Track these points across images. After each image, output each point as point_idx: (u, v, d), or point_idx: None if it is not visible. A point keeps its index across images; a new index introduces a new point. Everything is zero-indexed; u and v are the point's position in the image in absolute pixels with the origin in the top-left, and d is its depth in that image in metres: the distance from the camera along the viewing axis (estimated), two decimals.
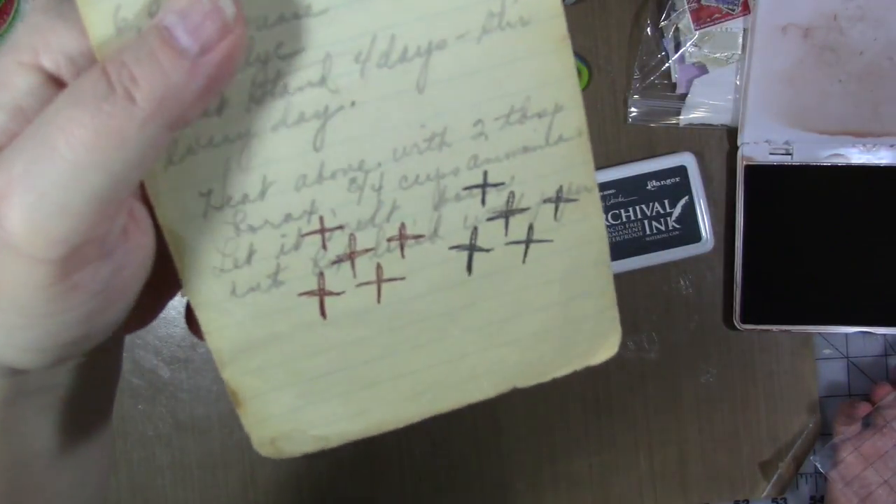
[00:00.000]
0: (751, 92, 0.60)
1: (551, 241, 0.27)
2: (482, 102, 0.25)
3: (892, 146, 0.61)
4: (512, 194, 0.26)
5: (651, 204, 0.62)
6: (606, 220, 0.61)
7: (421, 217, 0.26)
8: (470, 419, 0.63)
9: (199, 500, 0.63)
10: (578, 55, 0.63)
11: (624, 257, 0.62)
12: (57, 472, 0.31)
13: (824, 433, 0.64)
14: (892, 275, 0.62)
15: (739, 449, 0.64)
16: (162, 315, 0.64)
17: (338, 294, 0.26)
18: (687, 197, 0.62)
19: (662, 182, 0.62)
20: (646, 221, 0.62)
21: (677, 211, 0.62)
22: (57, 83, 0.22)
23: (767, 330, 0.63)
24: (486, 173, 0.25)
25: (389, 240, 0.26)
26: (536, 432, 0.63)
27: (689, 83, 0.61)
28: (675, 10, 0.61)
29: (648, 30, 0.62)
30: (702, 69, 0.61)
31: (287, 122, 0.24)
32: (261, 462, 0.63)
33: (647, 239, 0.62)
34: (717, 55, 0.61)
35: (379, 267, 0.26)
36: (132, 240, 0.23)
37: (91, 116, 0.20)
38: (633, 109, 0.63)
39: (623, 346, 0.63)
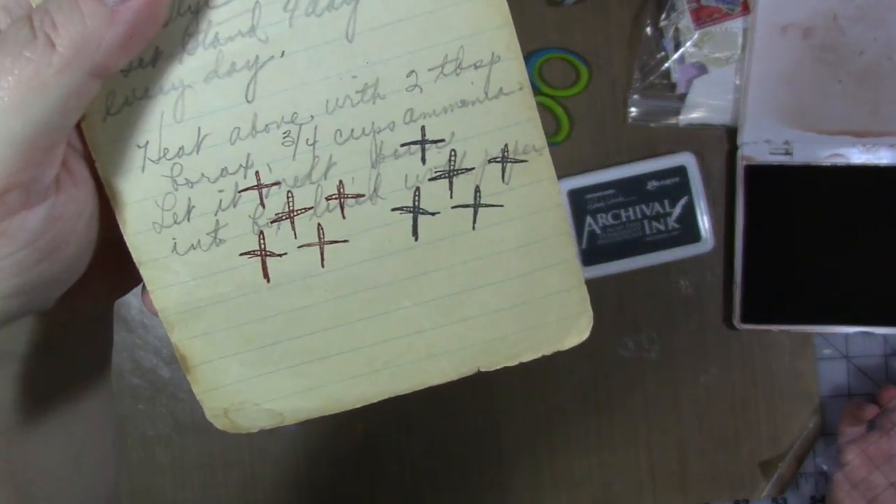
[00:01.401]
0: (751, 92, 0.60)
1: (501, 206, 0.26)
2: (414, 52, 0.24)
3: (892, 146, 0.61)
4: (454, 152, 0.25)
5: (651, 204, 0.62)
6: (607, 219, 0.61)
7: (359, 175, 0.25)
8: (470, 419, 0.63)
9: (199, 500, 0.63)
10: (578, 55, 0.63)
11: (624, 257, 0.62)
12: (45, 446, 0.32)
13: (824, 433, 0.64)
14: (892, 275, 0.62)
15: (739, 449, 0.64)
16: None
17: (279, 255, 0.26)
18: (687, 197, 0.62)
19: (662, 182, 0.62)
20: (646, 221, 0.62)
21: (677, 211, 0.62)
22: None
23: (767, 330, 0.63)
24: (423, 128, 0.25)
25: (328, 198, 0.25)
26: (536, 432, 0.63)
27: (689, 83, 0.61)
28: (675, 10, 0.61)
29: (648, 30, 0.62)
30: (701, 69, 0.61)
31: (219, 73, 0.24)
32: (261, 462, 0.63)
33: (647, 239, 0.62)
34: (717, 55, 0.61)
35: (320, 227, 0.25)
36: (66, 191, 0.23)
37: (12, 62, 0.20)
38: (632, 109, 0.63)
39: (623, 346, 0.63)
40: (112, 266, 0.27)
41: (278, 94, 0.24)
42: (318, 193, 0.25)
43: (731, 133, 0.63)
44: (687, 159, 0.62)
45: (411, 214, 0.25)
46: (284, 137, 0.25)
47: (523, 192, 0.25)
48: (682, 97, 0.62)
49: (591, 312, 0.27)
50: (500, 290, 0.26)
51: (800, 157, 0.61)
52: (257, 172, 0.25)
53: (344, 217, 0.25)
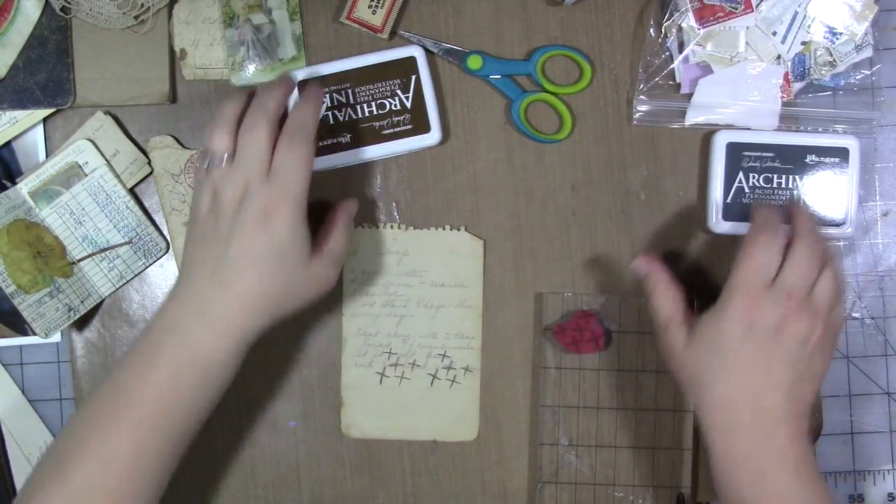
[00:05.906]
0: None
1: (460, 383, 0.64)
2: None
3: None
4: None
5: (805, 177, 0.61)
6: (758, 180, 0.61)
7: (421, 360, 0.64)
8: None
9: (199, 500, 0.63)
10: (582, 53, 0.63)
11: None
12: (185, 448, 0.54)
13: (824, 433, 0.64)
14: None
15: None
16: None
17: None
18: (843, 180, 0.61)
19: (822, 159, 0.61)
20: (795, 193, 0.61)
21: (827, 193, 0.61)
22: None
23: None
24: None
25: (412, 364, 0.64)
26: (536, 431, 0.63)
27: (694, 83, 0.61)
28: (678, 10, 0.60)
29: (651, 30, 0.62)
30: (706, 69, 0.61)
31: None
32: (261, 461, 0.63)
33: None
34: (721, 54, 0.61)
35: (404, 373, 0.64)
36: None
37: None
38: (637, 110, 0.62)
39: (623, 346, 0.63)
40: None
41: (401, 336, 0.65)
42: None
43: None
44: (851, 143, 0.61)
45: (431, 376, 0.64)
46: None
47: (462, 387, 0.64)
48: (687, 97, 0.62)
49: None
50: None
51: None
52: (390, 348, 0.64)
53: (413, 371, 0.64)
